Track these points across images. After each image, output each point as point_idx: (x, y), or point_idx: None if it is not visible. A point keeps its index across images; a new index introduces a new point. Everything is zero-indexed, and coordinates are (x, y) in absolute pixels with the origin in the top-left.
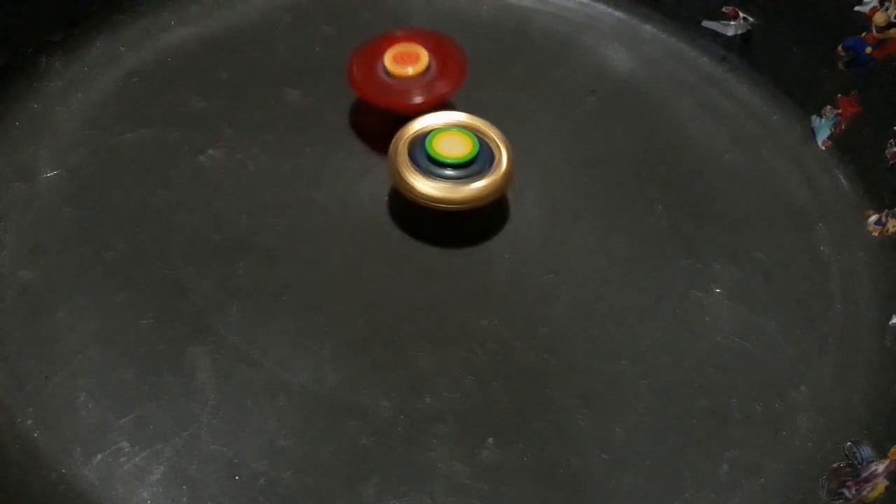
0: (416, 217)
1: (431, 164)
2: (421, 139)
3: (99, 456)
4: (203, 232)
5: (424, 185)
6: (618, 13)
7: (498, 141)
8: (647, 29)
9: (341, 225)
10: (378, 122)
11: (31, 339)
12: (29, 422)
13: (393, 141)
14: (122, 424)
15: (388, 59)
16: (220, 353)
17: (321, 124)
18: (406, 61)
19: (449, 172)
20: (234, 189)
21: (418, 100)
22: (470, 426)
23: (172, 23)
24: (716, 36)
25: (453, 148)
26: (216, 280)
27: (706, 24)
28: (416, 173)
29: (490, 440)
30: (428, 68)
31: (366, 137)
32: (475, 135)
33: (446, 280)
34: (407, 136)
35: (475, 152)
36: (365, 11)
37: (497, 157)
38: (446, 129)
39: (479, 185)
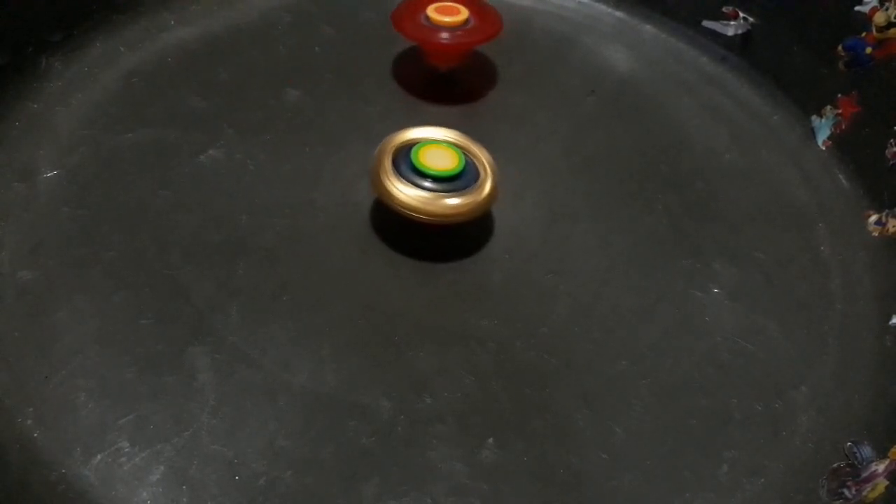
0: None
1: (414, 175)
2: (407, 149)
3: (99, 456)
4: (203, 232)
5: (404, 194)
6: (618, 13)
7: (485, 161)
8: (647, 29)
9: (341, 225)
10: (378, 122)
11: (31, 339)
12: (29, 422)
13: (378, 148)
14: (122, 424)
15: (431, 10)
16: (220, 353)
17: (321, 124)
18: (447, 13)
19: (430, 184)
20: (234, 189)
21: (456, 39)
22: (470, 426)
23: (172, 23)
24: (716, 36)
25: (439, 160)
26: (216, 280)
27: (706, 24)
28: (398, 181)
29: (490, 440)
30: (467, 21)
31: (366, 138)
32: (462, 151)
33: (446, 280)
34: (393, 145)
35: (460, 167)
36: (365, 11)
37: (482, 176)
38: (433, 142)
39: (458, 201)
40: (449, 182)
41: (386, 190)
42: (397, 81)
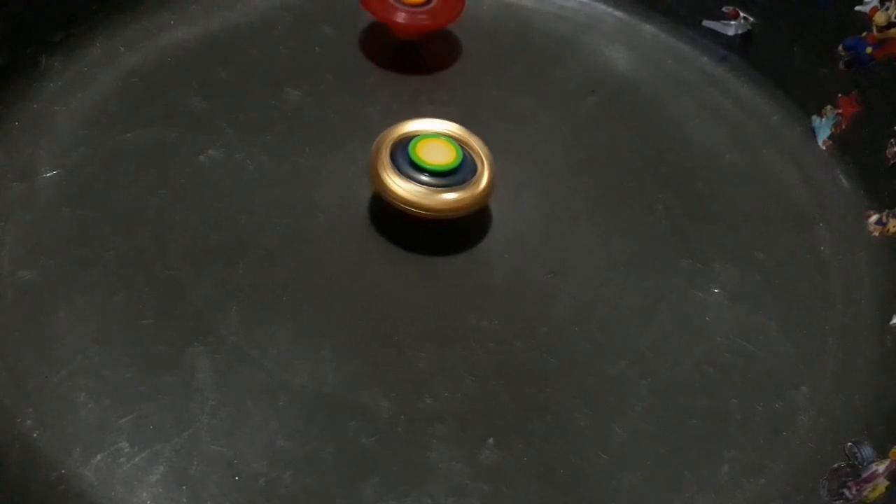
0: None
1: (412, 169)
2: (405, 143)
3: (99, 456)
4: (203, 232)
5: (400, 188)
6: (618, 13)
7: (482, 154)
8: (647, 29)
9: (341, 225)
10: (378, 122)
11: (31, 339)
12: (29, 422)
13: (376, 141)
14: (122, 424)
15: None
16: (220, 353)
17: (321, 124)
18: None
19: (427, 179)
20: (234, 189)
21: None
22: (470, 426)
23: (172, 23)
24: (716, 36)
25: (436, 155)
26: (216, 280)
27: (706, 23)
28: (395, 175)
29: (490, 440)
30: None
31: (366, 138)
32: (459, 145)
33: (446, 280)
34: (391, 138)
35: (458, 162)
36: (364, 11)
37: (479, 170)
38: (431, 135)
39: (455, 196)
40: (447, 176)
41: (383, 184)
42: (397, 82)
